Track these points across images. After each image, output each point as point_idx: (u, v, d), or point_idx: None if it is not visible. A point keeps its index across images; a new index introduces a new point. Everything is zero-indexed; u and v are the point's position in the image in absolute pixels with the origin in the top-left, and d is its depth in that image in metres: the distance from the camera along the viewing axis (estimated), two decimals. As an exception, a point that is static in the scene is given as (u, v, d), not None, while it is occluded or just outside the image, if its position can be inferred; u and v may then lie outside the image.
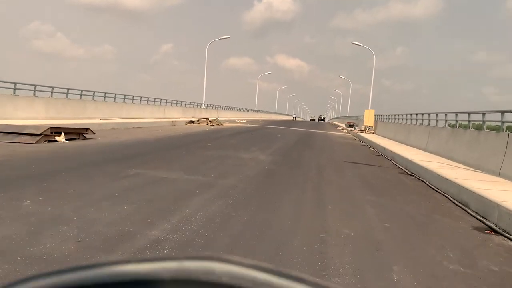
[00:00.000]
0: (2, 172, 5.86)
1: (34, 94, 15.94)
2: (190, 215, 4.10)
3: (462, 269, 3.32)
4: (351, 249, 3.55)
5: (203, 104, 39.06)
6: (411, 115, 17.48)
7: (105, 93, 21.26)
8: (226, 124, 29.04)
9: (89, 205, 4.16)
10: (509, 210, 4.79)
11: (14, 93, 14.88)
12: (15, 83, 14.85)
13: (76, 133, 11.22)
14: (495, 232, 4.68)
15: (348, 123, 37.52)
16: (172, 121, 24.42)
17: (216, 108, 43.02)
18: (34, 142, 9.48)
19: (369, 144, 17.83)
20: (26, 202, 4.06)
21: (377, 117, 27.24)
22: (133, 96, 25.06)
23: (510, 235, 4.49)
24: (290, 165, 9.02)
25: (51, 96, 16.88)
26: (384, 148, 13.89)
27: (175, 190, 5.31)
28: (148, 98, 27.15)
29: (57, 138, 10.24)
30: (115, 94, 22.56)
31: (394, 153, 12.11)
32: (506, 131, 8.57)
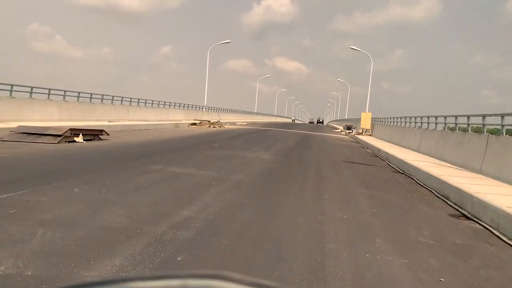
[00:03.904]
0: (43, 167, 6.71)
1: (48, 98, 16.83)
2: (211, 201, 4.95)
3: (432, 242, 4.17)
4: (345, 227, 4.40)
5: (204, 107, 39.94)
6: (405, 118, 18.38)
7: (113, 96, 22.16)
8: (227, 126, 29.87)
9: (127, 193, 5.01)
10: (480, 199, 5.65)
11: (30, 96, 15.76)
12: (32, 87, 15.73)
13: (92, 134, 12.06)
14: (467, 218, 5.53)
15: (346, 125, 38.50)
16: (176, 123, 25.24)
17: (217, 110, 43.93)
18: (56, 142, 10.30)
19: (365, 145, 18.70)
20: (76, 190, 4.91)
21: (374, 120, 28.14)
22: (139, 99, 25.98)
23: (478, 219, 5.35)
24: (291, 163, 9.87)
25: (64, 99, 17.80)
26: (379, 149, 14.74)
27: (194, 183, 6.16)
28: (152, 101, 28.08)
29: (76, 138, 11.07)
30: (122, 97, 23.46)
31: (388, 154, 12.95)
32: (486, 133, 9.43)
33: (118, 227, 3.61)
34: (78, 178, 5.71)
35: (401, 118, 19.57)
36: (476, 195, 5.89)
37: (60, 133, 10.61)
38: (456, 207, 6.16)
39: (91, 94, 20.07)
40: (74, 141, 10.99)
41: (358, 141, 21.97)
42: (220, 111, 45.13)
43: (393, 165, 11.26)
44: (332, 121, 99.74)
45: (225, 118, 43.04)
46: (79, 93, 18.89)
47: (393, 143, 18.15)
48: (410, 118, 17.37)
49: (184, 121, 28.53)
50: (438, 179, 7.62)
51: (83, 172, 6.28)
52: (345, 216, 4.86)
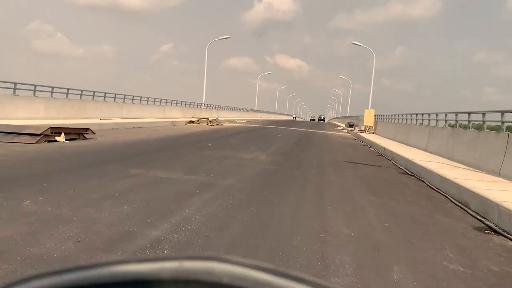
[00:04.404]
0: (2, 172, 5.86)
1: (34, 94, 15.95)
2: (190, 215, 4.10)
3: (461, 269, 3.32)
4: (354, 250, 3.55)
5: (203, 104, 39.06)
6: (411, 115, 17.49)
7: (105, 93, 21.27)
8: (226, 124, 29.04)
9: (89, 205, 4.16)
10: (509, 210, 4.79)
11: (14, 93, 14.90)
12: (15, 83, 14.86)
13: (76, 133, 11.22)
14: (495, 232, 4.68)
15: (348, 123, 37.55)
16: (172, 121, 24.41)
17: (216, 108, 43.02)
18: (34, 142, 9.48)
19: (369, 144, 17.83)
20: (26, 202, 4.06)
21: (377, 117, 27.25)
22: (133, 96, 25.07)
23: (510, 235, 4.50)
24: (290, 165, 9.02)
25: (51, 96, 16.90)
26: (384, 148, 13.89)
27: (175, 191, 5.31)
28: (148, 98, 27.16)
29: (57, 138, 10.23)
30: (115, 94, 22.56)
31: (394, 153, 12.10)
32: (506, 131, 8.56)
33: (59, 257, 2.76)
34: (37, 186, 4.86)
35: (405, 115, 18.67)
36: (504, 204, 5.04)
37: (39, 132, 9.78)
38: (479, 217, 5.30)
39: (82, 91, 19.16)
40: (55, 141, 10.15)
41: (361, 139, 21.12)
42: (219, 108, 44.22)
43: (400, 165, 10.40)
44: (334, 118, 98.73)
45: (225, 115, 42.15)
46: (68, 89, 17.98)
47: (398, 142, 17.30)
48: (416, 115, 16.46)
49: (181, 119, 27.70)
50: (454, 183, 6.77)
51: (48, 178, 5.42)
52: (352, 234, 4.01)
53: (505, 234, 4.56)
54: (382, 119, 25.85)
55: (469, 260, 3.59)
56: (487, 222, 5.06)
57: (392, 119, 22.65)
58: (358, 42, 35.54)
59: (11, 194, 4.38)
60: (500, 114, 8.85)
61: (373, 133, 25.16)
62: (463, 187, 6.39)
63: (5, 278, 2.39)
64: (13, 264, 2.59)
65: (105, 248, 3.01)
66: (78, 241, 3.09)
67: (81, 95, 19.21)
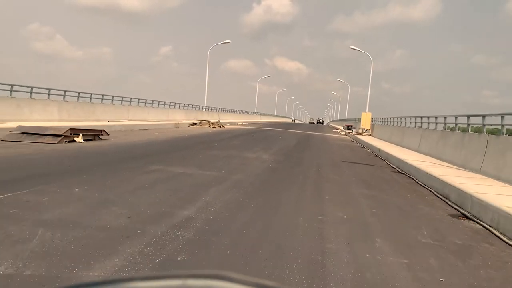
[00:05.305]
0: (43, 167, 6.72)
1: (48, 98, 16.82)
2: (211, 201, 4.95)
3: (432, 242, 4.17)
4: (345, 227, 4.40)
5: (204, 107, 39.94)
6: (405, 118, 18.37)
7: (113, 96, 22.14)
8: (227, 126, 29.86)
9: (127, 193, 5.01)
10: (480, 199, 5.65)
11: (30, 96, 15.76)
12: (32, 87, 15.72)
13: (92, 134, 12.05)
14: (467, 218, 5.53)
15: (346, 125, 38.50)
16: (176, 123, 25.22)
17: (217, 110, 43.93)
18: (56, 142, 10.30)
19: (365, 145, 18.69)
20: (76, 190, 4.91)
21: (374, 120, 28.14)
22: (139, 99, 25.96)
23: (478, 219, 5.35)
24: (291, 164, 9.86)
25: (64, 99, 17.79)
26: (379, 150, 14.74)
27: (194, 183, 6.16)
28: (152, 101, 28.07)
29: (76, 138, 11.06)
30: (122, 97, 23.43)
31: (388, 154, 12.94)
32: (487, 133, 9.43)
33: (118, 227, 3.61)
34: (78, 178, 5.71)
35: (401, 118, 19.56)
36: (476, 195, 5.89)
37: (60, 133, 10.60)
38: (456, 207, 6.16)
39: (91, 94, 20.08)
40: (74, 141, 10.98)
41: (358, 141, 21.96)
42: (220, 111, 45.13)
43: (393, 165, 11.25)
44: (332, 121, 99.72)
45: (225, 118, 43.03)
46: (79, 93, 18.90)
47: (393, 143, 18.15)
48: (410, 118, 17.36)
49: (184, 121, 28.53)
50: (438, 179, 7.62)
51: (83, 172, 6.27)
52: (345, 216, 4.86)
53: (475, 219, 5.42)
54: (379, 121, 26.75)
55: (439, 236, 4.44)
56: (462, 210, 5.92)
57: (388, 121, 23.54)
58: (357, 44, 36.71)
59: (61, 183, 5.23)
60: (481, 117, 9.72)
61: (370, 135, 26.04)
62: (445, 182, 7.23)
63: (88, 238, 3.24)
64: (88, 231, 3.43)
65: (151, 222, 3.85)
66: (129, 217, 3.94)
67: (90, 98, 20.10)
